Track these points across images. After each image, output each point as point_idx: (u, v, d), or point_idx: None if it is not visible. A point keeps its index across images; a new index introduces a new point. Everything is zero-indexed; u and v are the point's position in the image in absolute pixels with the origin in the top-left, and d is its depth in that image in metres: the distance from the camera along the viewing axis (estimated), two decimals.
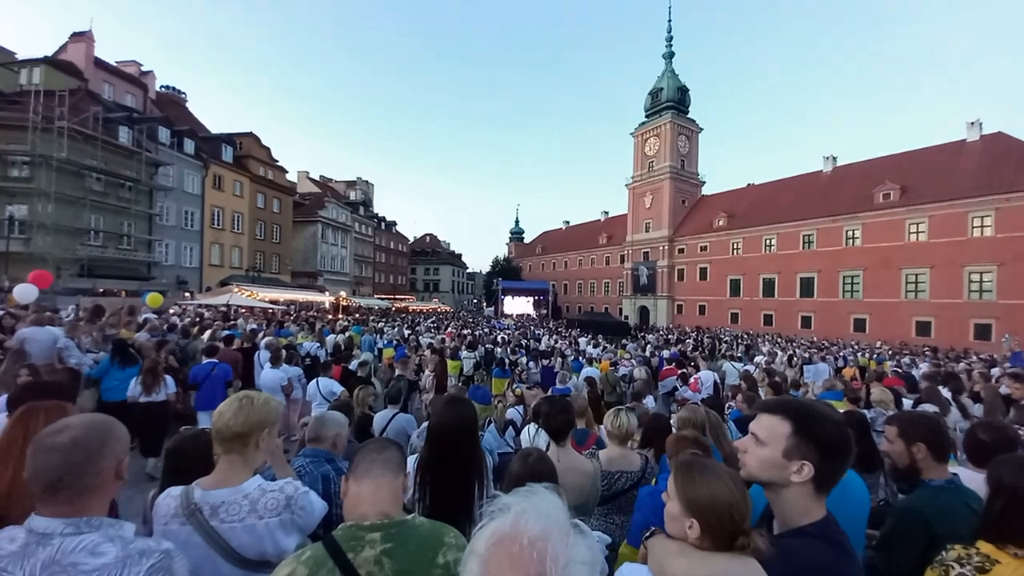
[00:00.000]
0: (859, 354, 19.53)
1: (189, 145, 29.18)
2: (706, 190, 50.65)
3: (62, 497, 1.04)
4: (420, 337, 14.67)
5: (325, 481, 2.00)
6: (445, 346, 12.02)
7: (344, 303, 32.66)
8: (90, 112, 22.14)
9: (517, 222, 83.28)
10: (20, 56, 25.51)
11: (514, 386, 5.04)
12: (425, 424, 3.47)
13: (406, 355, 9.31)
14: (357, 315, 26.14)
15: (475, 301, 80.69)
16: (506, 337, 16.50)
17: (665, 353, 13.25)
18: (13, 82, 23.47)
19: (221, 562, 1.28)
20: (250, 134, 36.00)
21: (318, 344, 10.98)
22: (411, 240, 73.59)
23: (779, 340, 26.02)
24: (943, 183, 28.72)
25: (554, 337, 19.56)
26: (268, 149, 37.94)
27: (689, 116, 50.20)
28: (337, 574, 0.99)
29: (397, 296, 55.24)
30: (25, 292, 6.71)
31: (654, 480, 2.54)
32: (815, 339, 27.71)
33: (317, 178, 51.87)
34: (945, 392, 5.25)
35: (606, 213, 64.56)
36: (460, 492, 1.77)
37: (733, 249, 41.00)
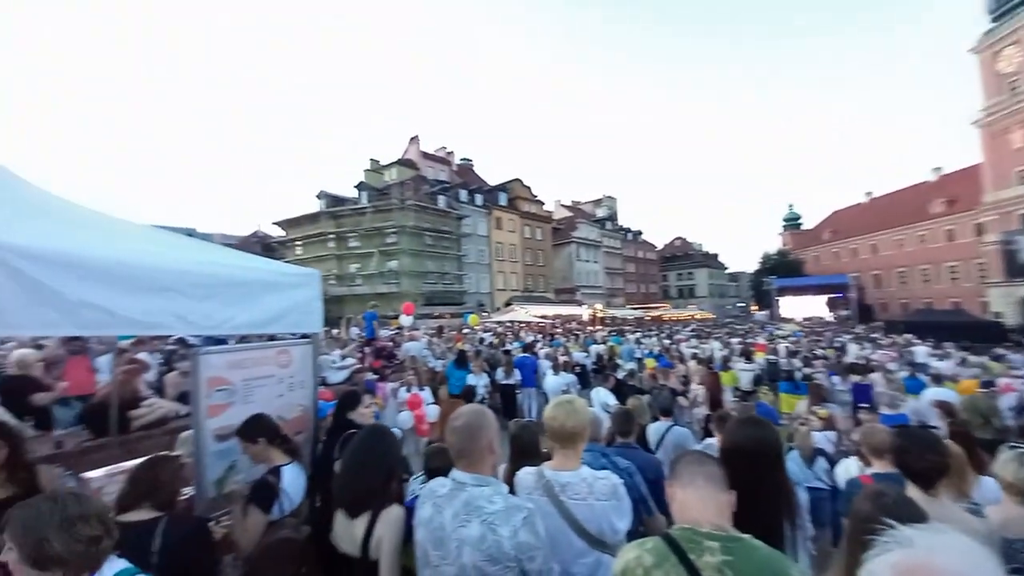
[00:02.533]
0: None
1: (479, 199, 38.03)
2: None
3: (464, 462, 1.54)
4: (681, 346, 13.95)
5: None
6: (712, 355, 11.06)
7: (600, 315, 34.57)
8: (422, 190, 31.84)
9: (791, 206, 68.76)
10: (382, 161, 39.09)
11: (817, 407, 4.14)
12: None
13: (670, 365, 9.09)
14: (612, 326, 27.19)
15: (740, 305, 70.72)
16: (791, 346, 13.75)
17: None
18: (381, 180, 36.21)
19: (571, 534, 1.57)
20: (516, 180, 43.55)
21: (585, 354, 12.05)
22: (659, 247, 71.43)
23: None
24: None
25: (866, 345, 15.01)
26: (529, 188, 44.82)
27: None
28: (681, 570, 1.04)
29: (650, 305, 54.38)
30: (405, 320, 10.52)
31: None
32: None
33: (568, 203, 57.47)
34: None
35: (939, 170, 45.79)
36: (764, 529, 1.43)
37: None
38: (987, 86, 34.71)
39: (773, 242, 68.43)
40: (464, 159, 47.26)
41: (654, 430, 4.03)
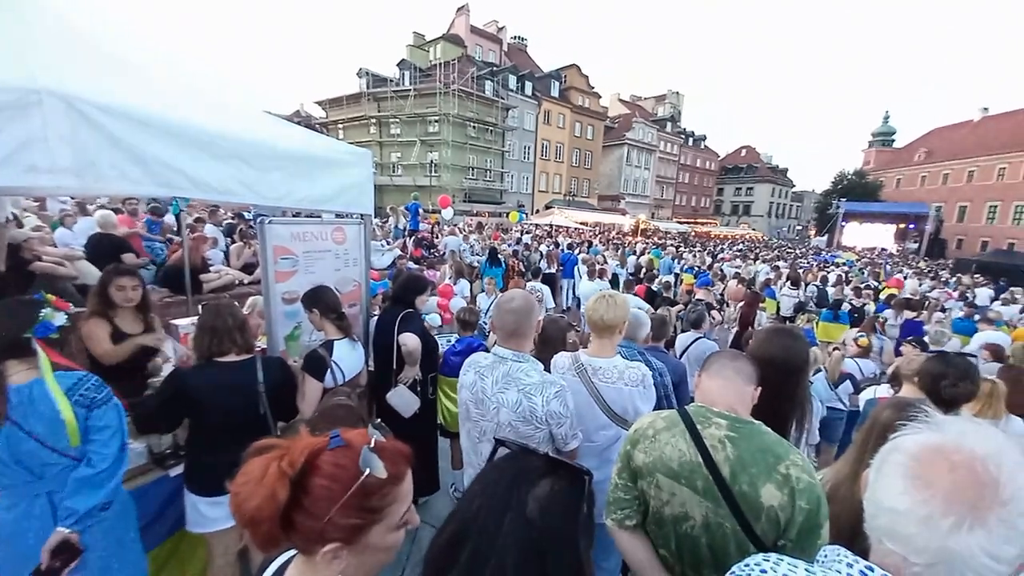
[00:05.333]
0: None
1: (528, 87, 34.67)
2: None
3: (513, 340, 1.68)
4: (724, 265, 13.55)
5: None
6: (755, 277, 10.74)
7: (643, 226, 33.42)
8: (469, 73, 29.30)
9: (887, 119, 59.12)
10: (427, 36, 35.61)
11: (857, 335, 4.07)
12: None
13: (710, 283, 8.95)
14: (655, 238, 26.40)
15: (799, 228, 66.00)
16: (843, 275, 13.07)
17: None
18: (426, 59, 33.38)
19: (596, 410, 1.78)
20: (573, 66, 39.30)
21: (618, 263, 11.95)
22: (722, 156, 65.24)
23: None
24: None
25: (925, 282, 14.15)
26: (587, 78, 40.54)
27: None
28: (687, 436, 1.16)
29: (697, 220, 51.80)
30: (446, 213, 10.68)
31: None
32: None
33: (627, 99, 52.21)
34: None
35: None
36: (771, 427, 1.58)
37: None
38: None
39: (855, 160, 60.24)
40: (517, 37, 42.61)
41: (681, 340, 4.17)
